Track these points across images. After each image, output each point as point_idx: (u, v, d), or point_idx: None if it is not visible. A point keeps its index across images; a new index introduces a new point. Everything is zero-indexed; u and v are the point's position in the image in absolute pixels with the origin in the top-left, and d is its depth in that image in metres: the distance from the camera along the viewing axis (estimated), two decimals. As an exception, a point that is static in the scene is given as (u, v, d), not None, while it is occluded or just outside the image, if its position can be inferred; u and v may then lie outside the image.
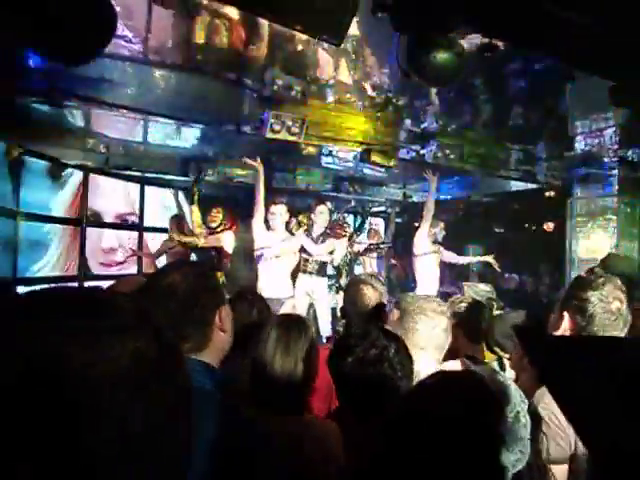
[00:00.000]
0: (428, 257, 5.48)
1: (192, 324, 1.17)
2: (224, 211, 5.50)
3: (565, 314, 1.72)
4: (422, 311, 1.72)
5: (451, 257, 5.92)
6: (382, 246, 6.92)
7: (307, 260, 5.19)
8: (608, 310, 1.66)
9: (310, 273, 5.18)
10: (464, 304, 2.33)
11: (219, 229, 5.41)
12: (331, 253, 5.28)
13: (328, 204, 5.52)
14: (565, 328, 1.69)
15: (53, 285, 0.54)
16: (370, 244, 6.92)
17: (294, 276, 5.17)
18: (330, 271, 5.92)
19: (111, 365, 0.40)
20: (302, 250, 5.11)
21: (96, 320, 0.42)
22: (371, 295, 2.20)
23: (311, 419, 1.60)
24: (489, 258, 5.93)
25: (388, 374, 1.38)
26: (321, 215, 5.22)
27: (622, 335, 1.69)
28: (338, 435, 1.57)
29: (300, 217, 5.58)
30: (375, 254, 6.95)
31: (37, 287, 0.50)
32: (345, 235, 5.59)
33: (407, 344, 1.50)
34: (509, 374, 1.94)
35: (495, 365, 2.18)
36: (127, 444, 0.40)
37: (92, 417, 0.38)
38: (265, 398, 1.53)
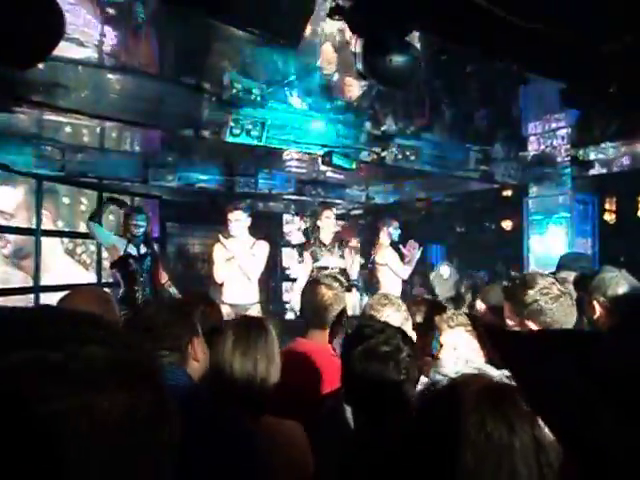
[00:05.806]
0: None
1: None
2: (148, 219, 5.04)
3: (528, 323, 1.77)
4: None
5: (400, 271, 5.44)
6: None
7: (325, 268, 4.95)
8: (552, 297, 1.75)
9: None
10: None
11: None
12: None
13: (334, 210, 5.35)
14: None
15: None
16: None
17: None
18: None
19: (100, 416, 0.39)
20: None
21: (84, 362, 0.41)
22: (325, 294, 2.27)
23: (272, 421, 1.54)
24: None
25: (392, 374, 1.35)
26: (327, 220, 5.04)
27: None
28: (304, 440, 1.54)
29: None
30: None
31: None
32: (349, 241, 5.52)
33: None
34: None
35: None
36: None
37: (77, 468, 0.37)
38: (224, 399, 1.49)
